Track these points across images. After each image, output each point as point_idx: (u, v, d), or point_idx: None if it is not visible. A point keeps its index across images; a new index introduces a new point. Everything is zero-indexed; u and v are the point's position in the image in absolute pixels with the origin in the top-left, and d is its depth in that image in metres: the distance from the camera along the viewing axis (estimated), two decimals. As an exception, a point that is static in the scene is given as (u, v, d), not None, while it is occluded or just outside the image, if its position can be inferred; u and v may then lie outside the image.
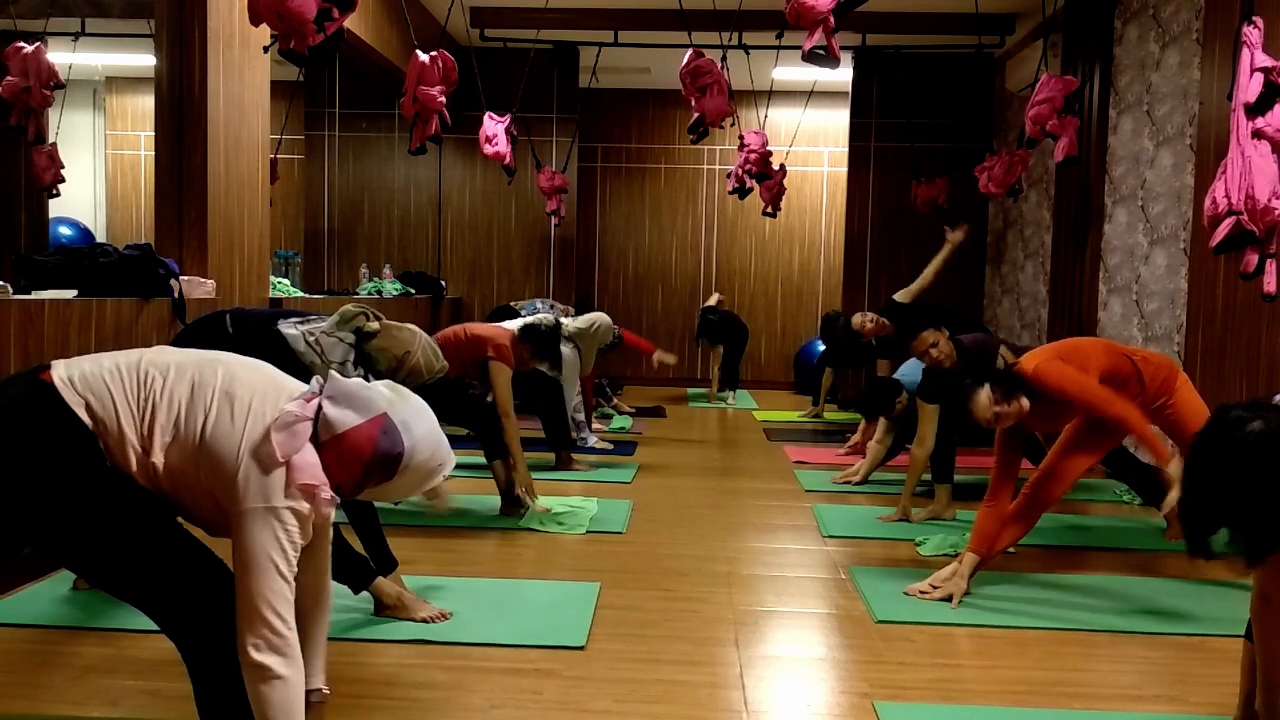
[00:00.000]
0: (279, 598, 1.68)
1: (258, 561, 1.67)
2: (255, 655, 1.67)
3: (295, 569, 1.72)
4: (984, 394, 3.22)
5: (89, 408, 1.72)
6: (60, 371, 1.75)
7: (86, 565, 1.75)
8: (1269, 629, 2.00)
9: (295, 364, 2.94)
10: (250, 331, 3.10)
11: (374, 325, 3.09)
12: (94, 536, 1.71)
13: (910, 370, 4.96)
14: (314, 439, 1.75)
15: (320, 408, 1.76)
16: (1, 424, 1.70)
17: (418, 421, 1.81)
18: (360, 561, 2.90)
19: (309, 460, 1.72)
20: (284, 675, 1.68)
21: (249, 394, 1.76)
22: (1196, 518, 1.77)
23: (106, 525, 1.71)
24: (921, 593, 3.27)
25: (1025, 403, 3.23)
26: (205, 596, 1.73)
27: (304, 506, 1.71)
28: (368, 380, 2.99)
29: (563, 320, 5.76)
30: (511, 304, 7.46)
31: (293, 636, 1.70)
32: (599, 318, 5.94)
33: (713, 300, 9.29)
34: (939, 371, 4.31)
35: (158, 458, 1.72)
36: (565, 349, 5.75)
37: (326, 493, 1.73)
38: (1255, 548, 1.73)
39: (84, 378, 1.74)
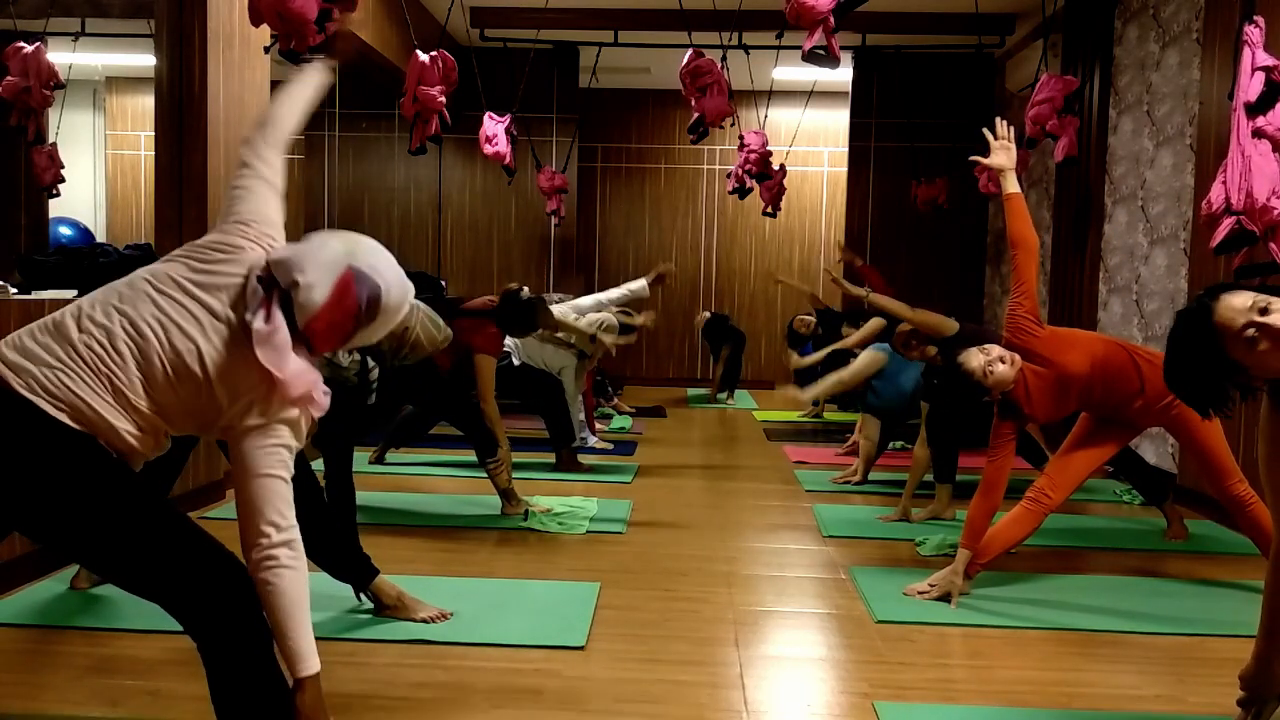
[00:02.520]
0: (279, 498, 1.74)
1: (258, 471, 1.73)
2: (262, 551, 1.72)
3: (291, 471, 1.78)
4: (974, 351, 3.22)
5: (72, 417, 1.68)
6: (14, 379, 1.68)
7: (102, 563, 1.77)
8: None
9: None
10: None
11: None
12: (113, 538, 1.71)
13: (887, 384, 5.03)
14: (293, 328, 1.75)
15: (285, 293, 1.75)
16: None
17: (381, 261, 1.85)
18: (363, 561, 2.90)
19: (297, 369, 1.74)
20: (292, 565, 1.73)
21: (192, 324, 1.72)
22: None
23: (123, 526, 1.71)
24: (920, 593, 3.27)
25: (1018, 359, 3.21)
26: (220, 587, 1.74)
27: (297, 415, 1.77)
28: (368, 365, 2.97)
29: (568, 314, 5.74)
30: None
31: (297, 532, 1.76)
32: (604, 318, 5.88)
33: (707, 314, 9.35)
34: (936, 368, 4.33)
35: (149, 413, 1.73)
36: (567, 353, 5.74)
37: (319, 390, 1.78)
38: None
39: (44, 386, 1.68)
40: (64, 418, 1.68)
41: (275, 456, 1.75)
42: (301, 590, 1.74)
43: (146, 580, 1.76)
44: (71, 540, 1.73)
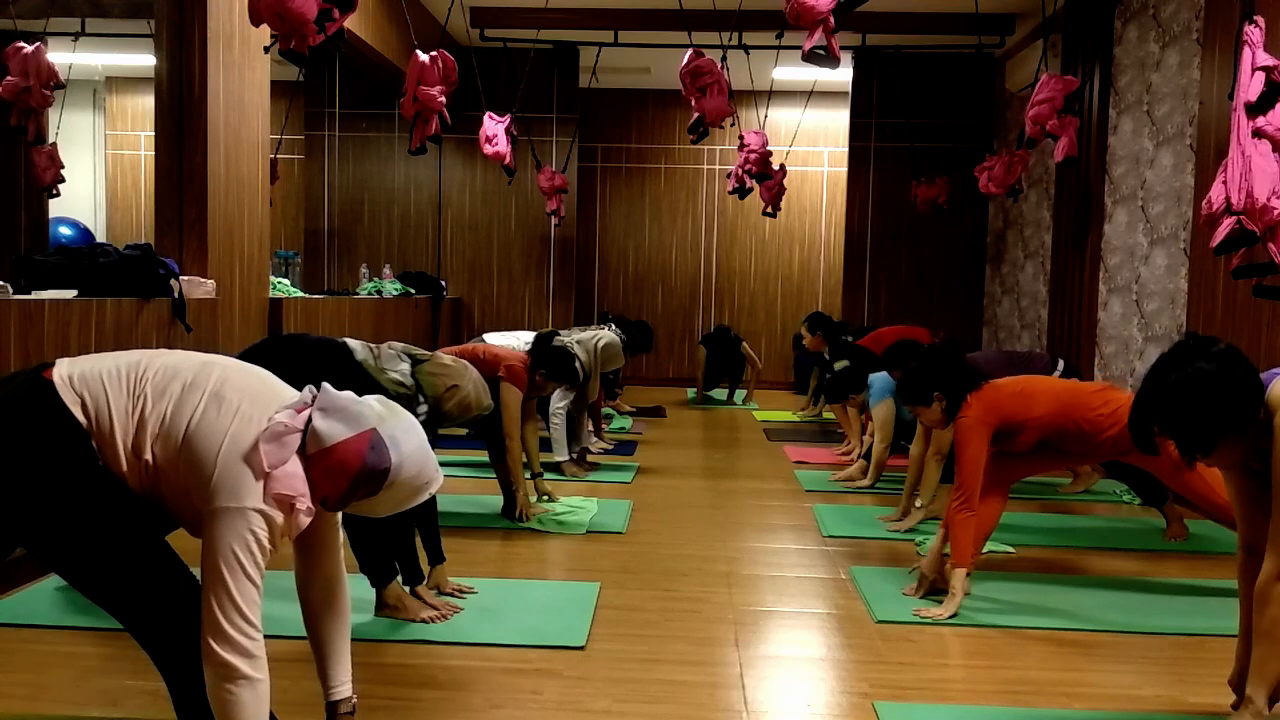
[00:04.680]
0: (244, 599, 1.67)
1: (224, 560, 1.66)
2: (220, 654, 1.66)
3: (263, 573, 1.71)
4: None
5: (83, 406, 1.73)
6: (61, 370, 1.77)
7: (62, 563, 1.75)
8: (1250, 579, 2.16)
9: (351, 368, 2.93)
10: (307, 344, 3.16)
11: (424, 354, 3.12)
12: (72, 535, 1.71)
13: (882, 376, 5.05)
14: (302, 450, 1.74)
15: (310, 419, 1.76)
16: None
17: (406, 438, 1.80)
18: (389, 565, 2.93)
19: (291, 471, 1.71)
20: (249, 676, 1.67)
21: (239, 397, 1.76)
22: (1142, 421, 2.08)
23: (86, 525, 1.71)
24: (917, 610, 3.22)
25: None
26: (173, 605, 1.74)
27: (277, 514, 1.70)
28: (419, 400, 2.97)
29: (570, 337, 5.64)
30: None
31: (259, 639, 1.69)
32: (608, 335, 5.67)
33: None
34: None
35: (148, 455, 1.72)
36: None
37: (304, 503, 1.73)
38: (1187, 450, 2.04)
39: (82, 377, 1.75)
40: (75, 409, 1.72)
41: (245, 549, 1.67)
42: (257, 704, 1.68)
43: (101, 582, 1.75)
44: (38, 530, 1.73)
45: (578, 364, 4.70)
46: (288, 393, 1.84)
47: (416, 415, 3.00)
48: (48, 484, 1.69)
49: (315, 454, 1.74)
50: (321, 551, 1.96)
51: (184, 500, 1.74)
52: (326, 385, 1.83)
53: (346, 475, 1.75)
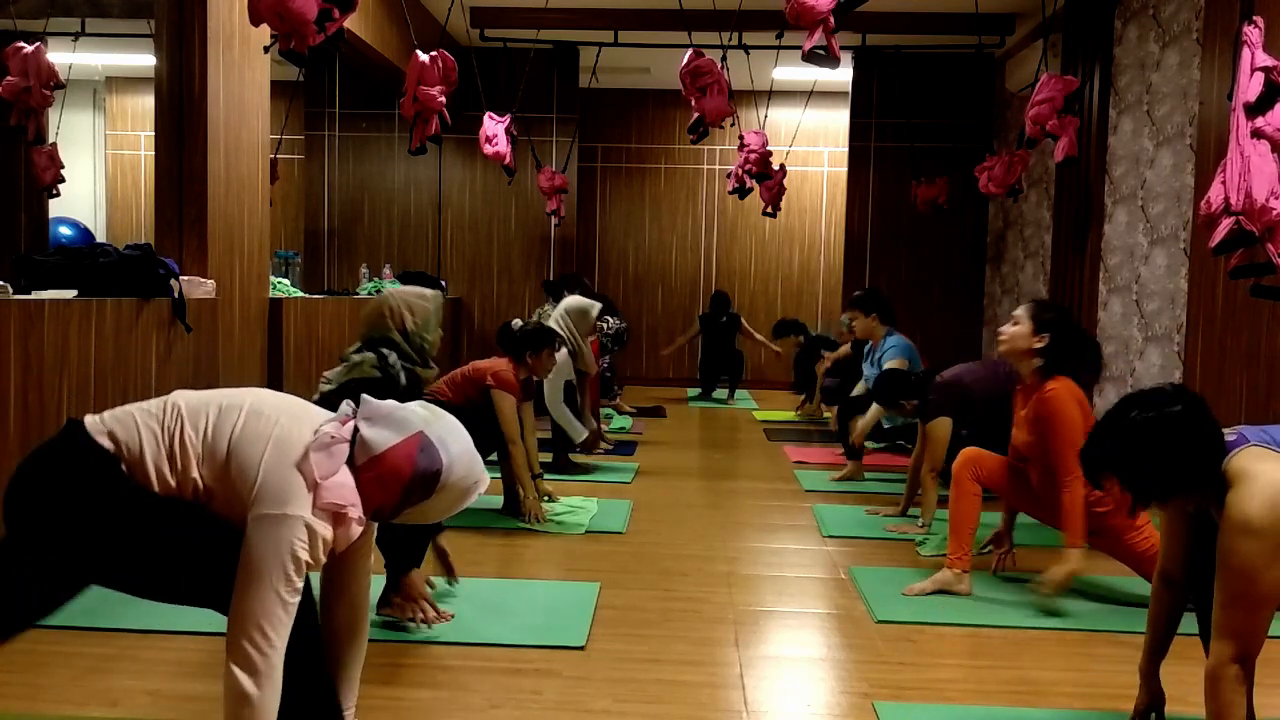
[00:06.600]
0: (271, 615, 1.65)
1: (258, 569, 1.64)
2: (232, 666, 1.65)
3: (295, 589, 1.68)
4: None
5: (111, 435, 1.74)
6: (92, 416, 1.79)
7: (138, 582, 1.76)
8: (1159, 603, 2.32)
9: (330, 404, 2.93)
10: None
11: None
12: (135, 550, 1.72)
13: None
14: (350, 463, 1.74)
15: (356, 429, 1.76)
16: (34, 460, 1.75)
17: (453, 438, 1.80)
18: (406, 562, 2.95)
19: (341, 481, 1.71)
20: (251, 694, 1.64)
21: (276, 412, 1.77)
22: (1093, 462, 2.06)
23: (144, 536, 1.71)
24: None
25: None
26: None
27: (323, 527, 1.68)
28: (385, 354, 2.88)
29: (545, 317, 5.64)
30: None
31: (275, 657, 1.66)
32: (574, 300, 5.54)
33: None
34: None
35: (195, 475, 1.73)
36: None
37: (356, 512, 1.71)
38: (1138, 498, 2.03)
39: (113, 415, 1.78)
40: (102, 438, 1.73)
41: (279, 560, 1.64)
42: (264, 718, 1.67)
43: (179, 585, 1.76)
44: (100, 557, 1.72)
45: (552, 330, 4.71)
46: (321, 412, 1.84)
47: (390, 367, 2.85)
48: (91, 506, 1.70)
49: (365, 463, 1.73)
50: (353, 575, 1.95)
51: (233, 516, 1.73)
52: (366, 396, 1.82)
53: (400, 480, 1.74)
